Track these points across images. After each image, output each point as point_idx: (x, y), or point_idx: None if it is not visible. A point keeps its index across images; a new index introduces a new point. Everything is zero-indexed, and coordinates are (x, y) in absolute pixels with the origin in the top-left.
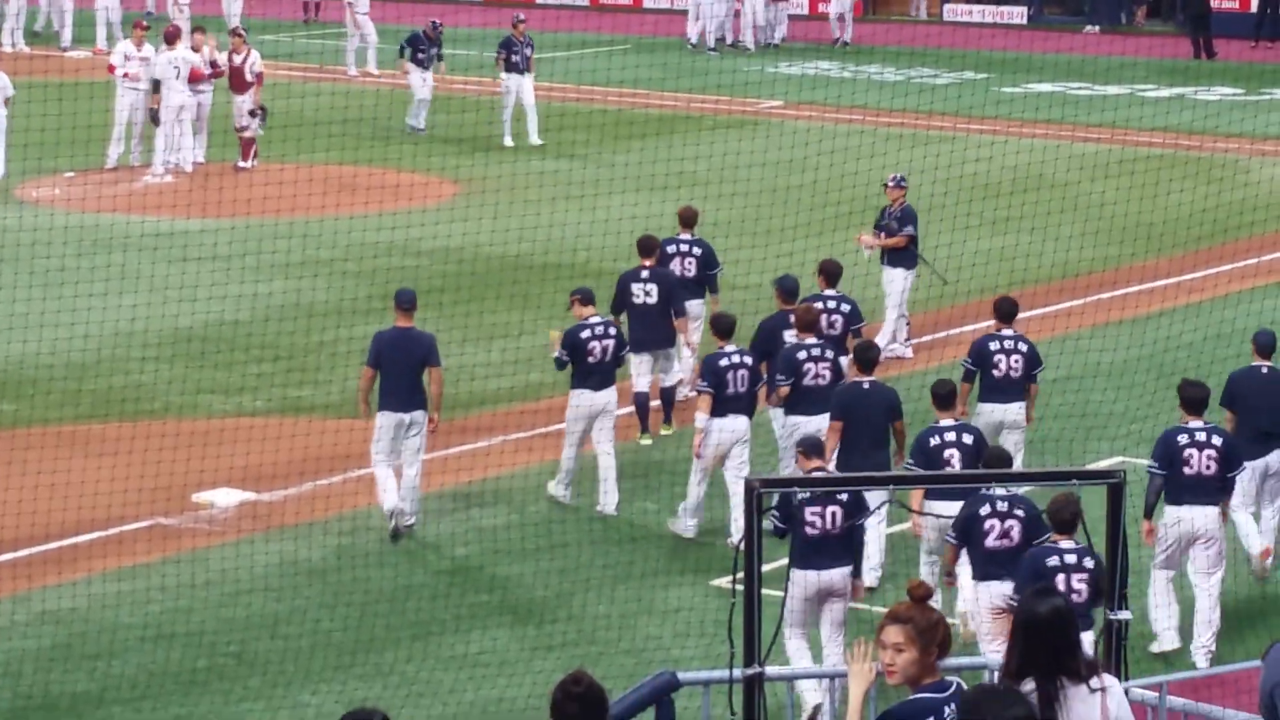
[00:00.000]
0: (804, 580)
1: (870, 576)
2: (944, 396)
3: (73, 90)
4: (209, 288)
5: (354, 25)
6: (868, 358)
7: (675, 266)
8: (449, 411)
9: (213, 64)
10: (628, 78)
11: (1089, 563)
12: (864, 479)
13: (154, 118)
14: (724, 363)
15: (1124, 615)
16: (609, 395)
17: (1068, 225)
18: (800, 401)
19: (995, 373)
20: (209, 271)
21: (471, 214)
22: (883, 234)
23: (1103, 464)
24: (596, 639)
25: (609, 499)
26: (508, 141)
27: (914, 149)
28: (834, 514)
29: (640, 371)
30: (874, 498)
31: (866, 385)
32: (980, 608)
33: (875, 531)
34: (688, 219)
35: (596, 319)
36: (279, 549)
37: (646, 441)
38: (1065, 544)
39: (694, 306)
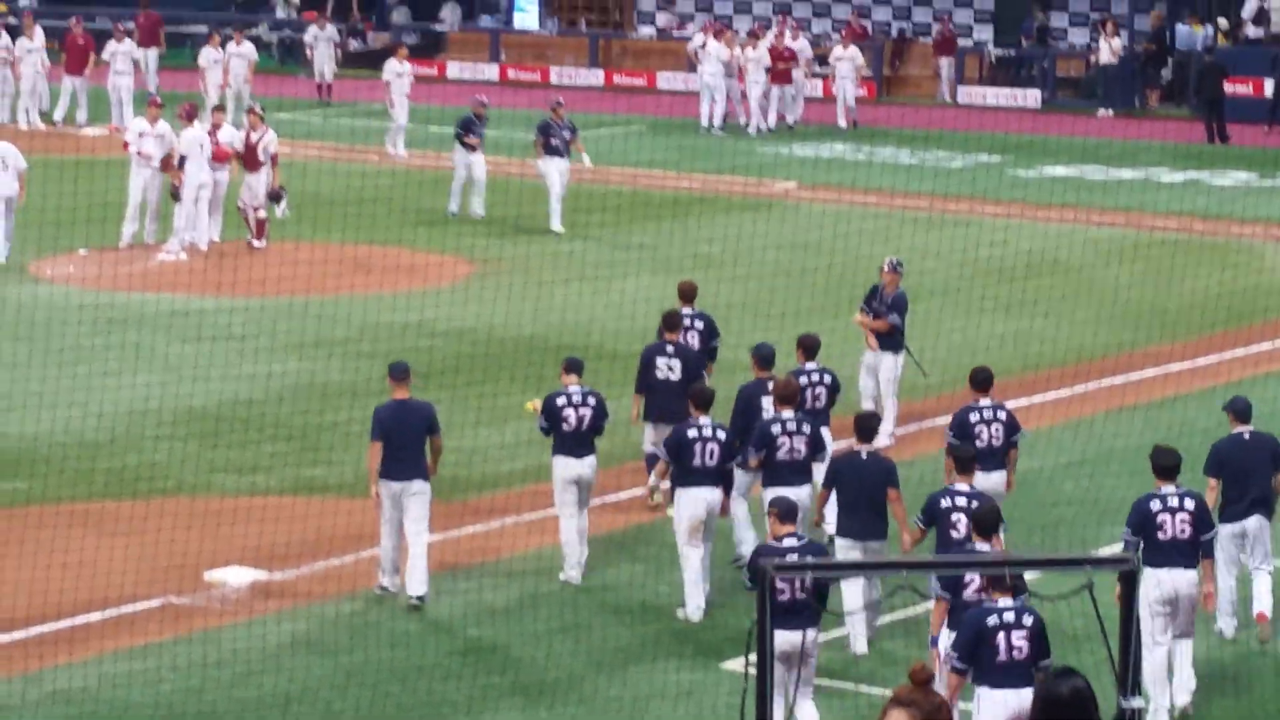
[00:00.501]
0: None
1: (859, 643)
2: (965, 461)
3: (88, 168)
4: (223, 367)
5: (391, 104)
6: (868, 427)
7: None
8: (462, 493)
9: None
10: (643, 159)
11: (1028, 619)
12: (879, 565)
13: (174, 194)
14: (692, 434)
15: (1136, 703)
16: (588, 463)
17: (1082, 309)
18: (776, 474)
19: (979, 443)
20: (223, 351)
21: (486, 295)
22: (871, 315)
23: (1115, 549)
24: None
25: (573, 569)
26: (556, 226)
27: (929, 232)
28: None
29: (657, 440)
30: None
31: (865, 455)
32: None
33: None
34: (687, 293)
35: (575, 388)
36: (291, 628)
37: (657, 499)
38: (1004, 602)
39: None
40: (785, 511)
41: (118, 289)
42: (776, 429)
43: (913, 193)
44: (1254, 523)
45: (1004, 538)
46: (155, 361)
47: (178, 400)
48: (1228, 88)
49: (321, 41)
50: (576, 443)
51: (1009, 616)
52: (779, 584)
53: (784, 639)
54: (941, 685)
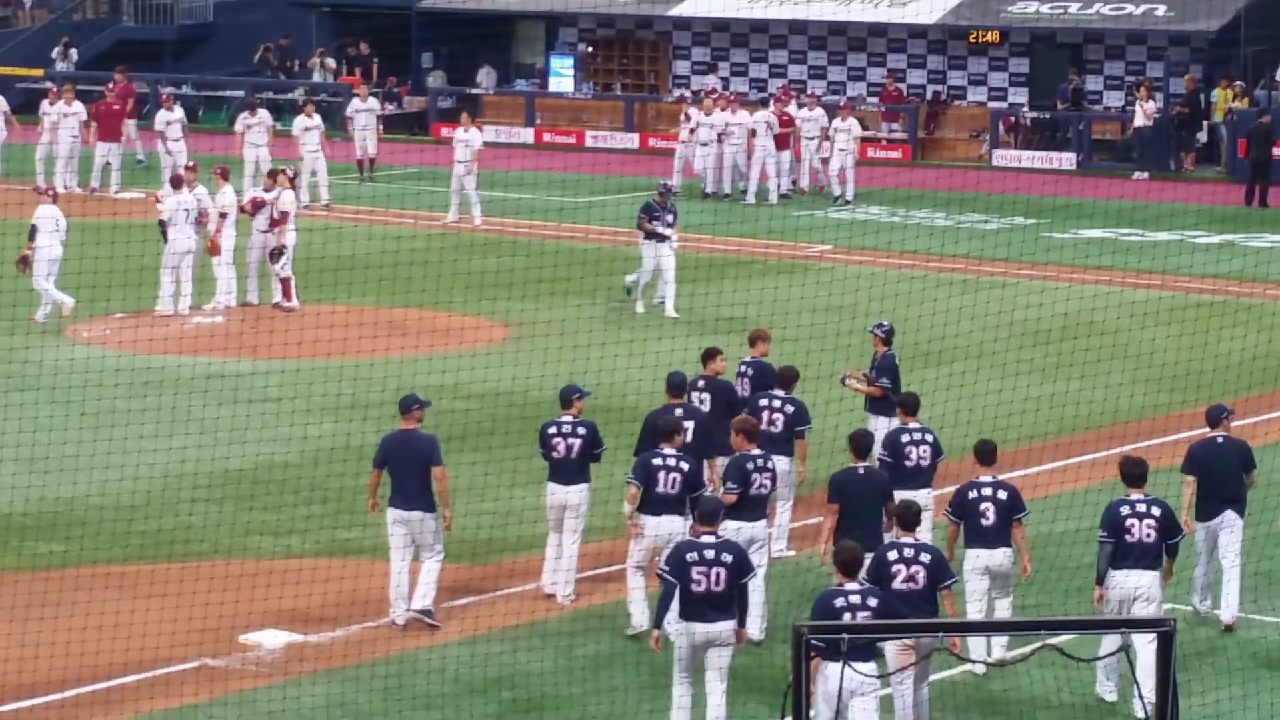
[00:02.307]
0: (689, 630)
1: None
2: (986, 454)
3: (125, 231)
4: (258, 429)
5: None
6: (863, 445)
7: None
8: (497, 554)
9: (252, 201)
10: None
11: (872, 601)
12: (912, 625)
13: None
14: (656, 461)
15: None
16: (575, 491)
17: (1117, 372)
18: (745, 507)
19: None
20: (259, 413)
21: (521, 358)
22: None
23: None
24: None
25: (564, 589)
26: (640, 309)
27: (964, 294)
28: (718, 574)
29: None
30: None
31: (861, 471)
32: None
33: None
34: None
35: (567, 418)
36: (326, 691)
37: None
38: (851, 585)
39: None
40: (706, 514)
41: (154, 352)
42: (750, 465)
43: (948, 255)
44: (1226, 518)
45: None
46: (191, 424)
47: (213, 463)
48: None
49: (363, 114)
50: (565, 471)
51: (855, 599)
52: (695, 575)
53: (703, 631)
54: None
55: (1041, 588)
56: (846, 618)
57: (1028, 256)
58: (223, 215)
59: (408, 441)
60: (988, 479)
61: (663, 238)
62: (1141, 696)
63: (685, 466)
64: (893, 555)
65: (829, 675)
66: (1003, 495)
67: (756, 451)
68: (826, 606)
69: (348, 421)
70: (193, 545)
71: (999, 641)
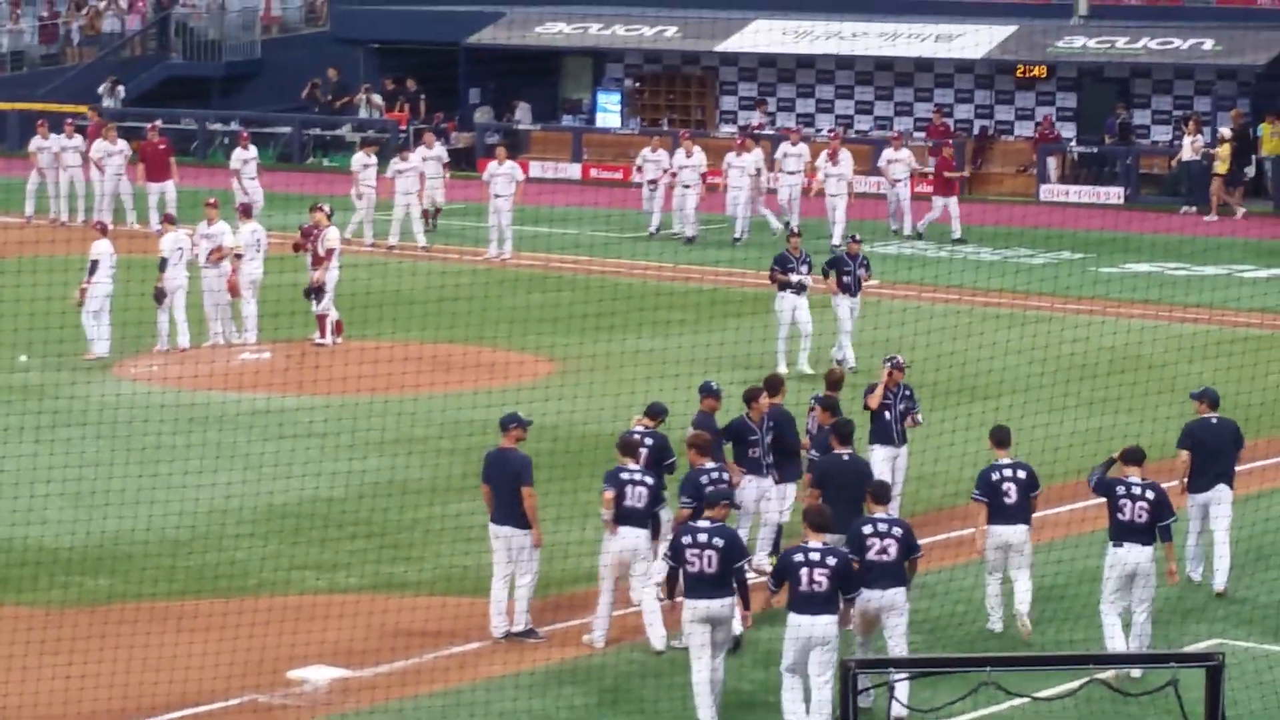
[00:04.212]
0: (692, 608)
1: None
2: (1002, 437)
3: (140, 270)
4: (304, 465)
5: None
6: (845, 432)
7: None
8: (543, 589)
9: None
10: (723, 257)
11: (832, 560)
12: (960, 660)
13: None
14: (624, 476)
15: None
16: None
17: (1165, 406)
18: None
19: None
20: (304, 449)
21: (567, 392)
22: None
23: (1200, 646)
24: None
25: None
26: (804, 366)
27: (1010, 329)
28: (710, 557)
29: None
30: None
31: (846, 457)
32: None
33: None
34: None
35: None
36: None
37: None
38: (813, 543)
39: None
40: (712, 499)
41: (199, 388)
42: (704, 479)
43: (994, 290)
44: (1218, 493)
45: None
46: (237, 460)
47: (259, 498)
48: None
49: (431, 163)
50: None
51: (814, 556)
52: (689, 556)
53: (703, 607)
54: None
55: (1091, 621)
56: (804, 572)
57: (1074, 291)
58: (239, 255)
59: (503, 460)
60: (1006, 460)
61: (801, 288)
62: None
63: (649, 481)
64: (868, 529)
65: (798, 624)
66: (1022, 474)
67: (711, 465)
68: (786, 560)
69: (393, 456)
70: (239, 580)
71: (1024, 602)
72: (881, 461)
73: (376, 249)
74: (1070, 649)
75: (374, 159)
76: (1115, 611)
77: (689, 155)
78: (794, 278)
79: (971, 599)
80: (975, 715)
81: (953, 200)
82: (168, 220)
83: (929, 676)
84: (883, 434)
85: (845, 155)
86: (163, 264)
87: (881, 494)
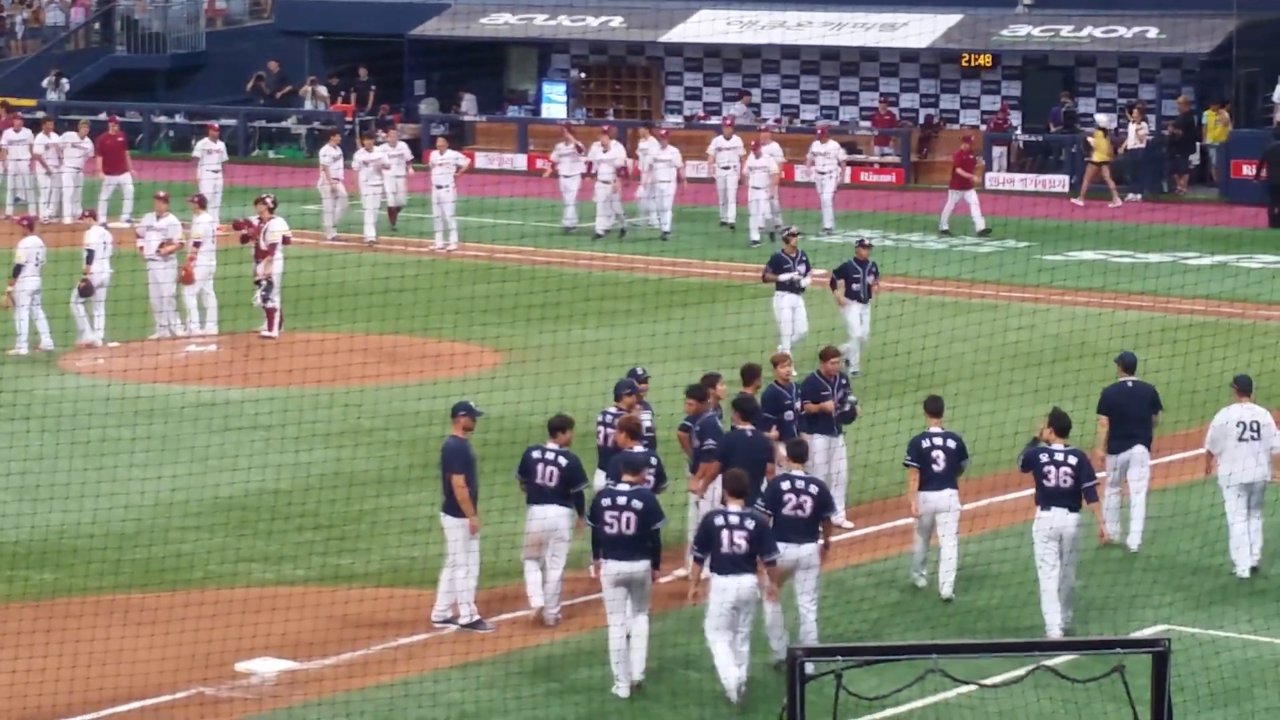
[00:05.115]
0: (609, 569)
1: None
2: (935, 406)
3: (115, 261)
4: (250, 457)
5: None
6: (748, 408)
7: None
8: (489, 580)
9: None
10: (669, 247)
11: (749, 524)
12: (907, 648)
13: (83, 291)
14: (535, 455)
15: None
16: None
17: None
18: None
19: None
20: (251, 441)
21: (513, 383)
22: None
23: (1147, 632)
24: None
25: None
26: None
27: (955, 317)
28: (628, 519)
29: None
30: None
31: (749, 433)
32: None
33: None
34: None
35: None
36: (320, 718)
37: None
38: (733, 506)
39: None
40: (631, 464)
41: (144, 381)
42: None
43: (939, 278)
44: (1136, 452)
45: None
46: (183, 452)
47: (205, 491)
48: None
49: (395, 160)
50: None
51: (734, 519)
52: (607, 518)
53: (619, 569)
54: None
55: (1037, 610)
56: (724, 535)
57: (1019, 279)
58: (197, 244)
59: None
60: (938, 429)
61: (799, 288)
62: (1136, 716)
63: (563, 461)
64: (785, 485)
65: (724, 587)
66: (952, 444)
67: (639, 449)
68: (707, 523)
69: (339, 448)
70: (186, 573)
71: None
72: (821, 451)
73: (349, 242)
74: (1016, 636)
75: (340, 150)
76: (1050, 572)
77: (605, 150)
78: (784, 277)
79: (916, 587)
80: (923, 703)
81: (970, 193)
82: (90, 215)
83: (875, 664)
84: (823, 424)
85: (771, 148)
86: (89, 257)
87: (798, 453)
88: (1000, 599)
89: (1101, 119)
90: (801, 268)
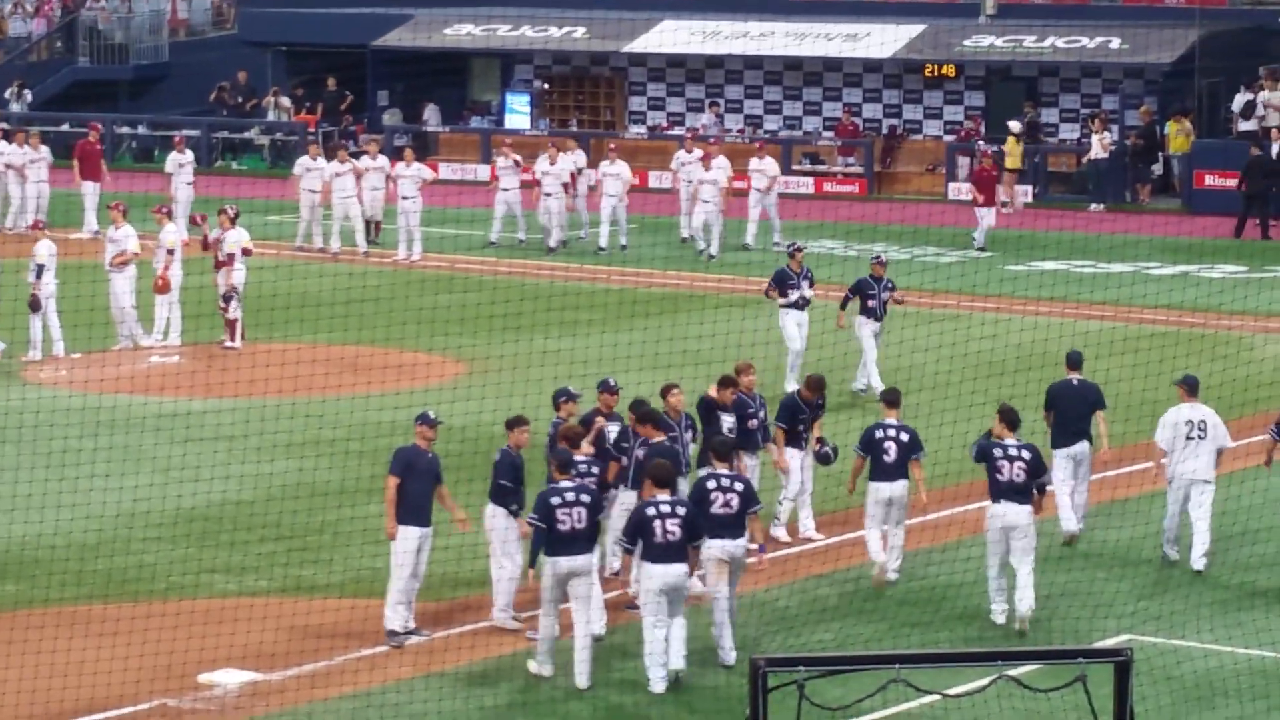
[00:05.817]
0: (553, 565)
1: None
2: (891, 400)
3: (75, 273)
4: (213, 468)
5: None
6: (654, 419)
7: None
8: (451, 590)
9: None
10: (630, 257)
11: (681, 510)
12: (869, 658)
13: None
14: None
15: None
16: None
17: None
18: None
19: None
20: (213, 452)
21: (475, 393)
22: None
23: (1109, 642)
24: None
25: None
26: (871, 383)
27: (918, 326)
28: (579, 514)
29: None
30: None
31: (668, 442)
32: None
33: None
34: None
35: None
36: None
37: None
38: (663, 496)
39: None
40: (561, 464)
41: (107, 392)
42: (584, 467)
43: (903, 288)
44: (1079, 448)
45: None
46: (145, 463)
47: (168, 502)
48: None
49: (373, 173)
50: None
51: (665, 509)
52: (559, 515)
53: (569, 564)
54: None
55: (989, 621)
56: (657, 524)
57: (982, 289)
58: (170, 253)
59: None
60: (893, 421)
61: (804, 303)
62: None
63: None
64: (711, 484)
65: (652, 574)
66: (904, 436)
67: (581, 457)
68: (640, 515)
69: (302, 459)
70: (149, 584)
71: (894, 558)
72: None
73: (323, 253)
74: (979, 645)
75: (319, 162)
76: (997, 564)
77: (553, 163)
78: (793, 295)
79: (881, 596)
80: (886, 713)
81: (990, 211)
82: (36, 226)
83: (839, 674)
84: (794, 440)
85: (720, 161)
86: (39, 270)
87: (723, 451)
88: (964, 609)
89: (1014, 125)
90: (805, 283)
